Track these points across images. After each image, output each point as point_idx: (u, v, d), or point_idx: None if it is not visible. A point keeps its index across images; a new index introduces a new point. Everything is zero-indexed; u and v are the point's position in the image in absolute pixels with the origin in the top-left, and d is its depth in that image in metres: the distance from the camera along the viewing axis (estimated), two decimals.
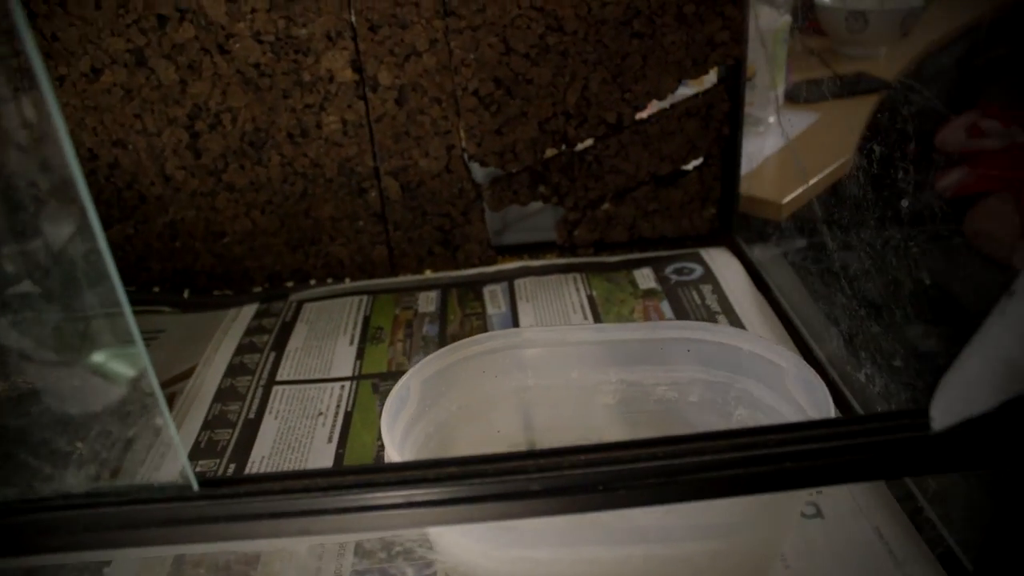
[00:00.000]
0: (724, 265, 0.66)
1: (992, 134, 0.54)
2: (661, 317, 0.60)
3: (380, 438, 0.45)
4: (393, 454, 0.40)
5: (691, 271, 0.65)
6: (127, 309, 0.31)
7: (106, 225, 0.67)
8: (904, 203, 0.50)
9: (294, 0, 0.59)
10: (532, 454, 0.35)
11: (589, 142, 0.65)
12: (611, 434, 0.49)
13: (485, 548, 0.37)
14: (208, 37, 0.60)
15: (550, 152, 0.66)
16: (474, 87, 0.62)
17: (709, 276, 0.65)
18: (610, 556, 0.37)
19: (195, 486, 0.34)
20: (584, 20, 0.60)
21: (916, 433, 0.31)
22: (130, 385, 0.32)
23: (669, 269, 0.66)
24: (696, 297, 0.62)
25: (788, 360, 0.43)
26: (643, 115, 0.65)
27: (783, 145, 0.77)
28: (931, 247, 0.47)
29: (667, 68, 0.62)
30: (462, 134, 0.64)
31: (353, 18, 0.60)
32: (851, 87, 0.75)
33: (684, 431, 0.47)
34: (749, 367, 0.45)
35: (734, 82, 0.63)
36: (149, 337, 0.66)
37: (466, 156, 0.66)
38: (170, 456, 0.51)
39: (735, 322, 0.59)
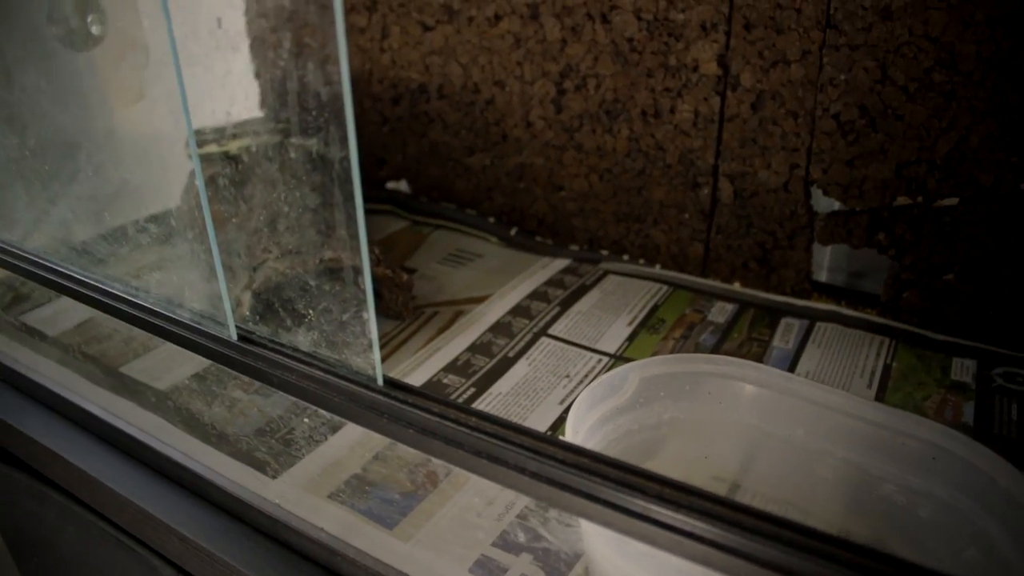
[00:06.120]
0: None
1: None
2: (956, 418, 0.52)
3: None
4: (568, 431, 0.41)
5: None
6: (360, 216, 0.35)
7: (469, 152, 0.75)
8: None
9: None
10: (731, 504, 0.30)
11: (951, 201, 0.57)
12: (821, 513, 0.44)
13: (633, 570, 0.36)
14: (595, 5, 0.63)
15: (901, 200, 0.59)
16: (836, 110, 0.58)
17: None
18: None
19: (379, 381, 0.39)
20: (986, 62, 0.52)
21: None
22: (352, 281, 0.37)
23: (998, 369, 0.56)
24: (1015, 412, 0.52)
25: None
26: None
27: None
28: None
29: None
30: (810, 156, 0.60)
31: (730, 12, 0.59)
32: None
33: (901, 548, 0.41)
34: (998, 506, 0.38)
35: None
36: (468, 258, 0.73)
37: (808, 179, 0.61)
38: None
39: None
